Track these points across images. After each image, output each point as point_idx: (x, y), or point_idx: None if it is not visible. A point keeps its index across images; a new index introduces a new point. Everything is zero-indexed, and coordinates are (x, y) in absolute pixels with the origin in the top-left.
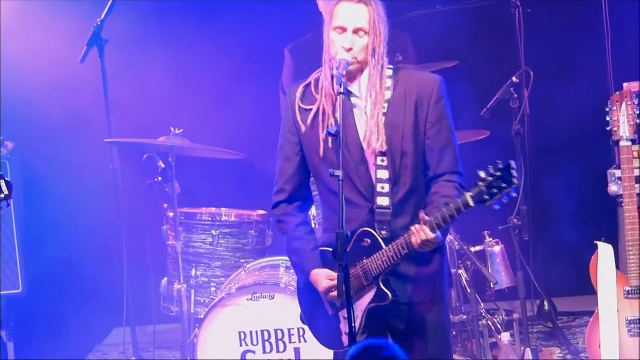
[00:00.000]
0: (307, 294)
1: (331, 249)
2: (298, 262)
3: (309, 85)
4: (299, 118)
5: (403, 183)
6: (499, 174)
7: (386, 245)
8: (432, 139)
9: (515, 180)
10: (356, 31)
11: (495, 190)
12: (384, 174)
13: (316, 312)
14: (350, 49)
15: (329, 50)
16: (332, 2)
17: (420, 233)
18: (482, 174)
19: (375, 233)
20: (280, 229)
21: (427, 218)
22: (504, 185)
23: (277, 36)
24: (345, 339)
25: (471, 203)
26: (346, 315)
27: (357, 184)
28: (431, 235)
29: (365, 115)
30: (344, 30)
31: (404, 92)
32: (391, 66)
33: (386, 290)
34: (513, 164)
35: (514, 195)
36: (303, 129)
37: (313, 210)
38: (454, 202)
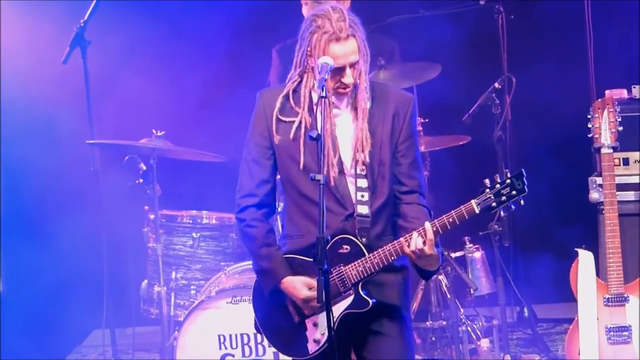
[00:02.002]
0: (269, 300)
1: (300, 256)
2: (268, 268)
3: (286, 96)
4: (274, 128)
5: (380, 193)
6: (508, 181)
7: (368, 253)
8: (403, 152)
9: (526, 188)
10: (352, 65)
11: (503, 198)
12: (364, 183)
13: (277, 319)
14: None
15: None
16: (320, 34)
17: (418, 239)
18: (488, 182)
19: (357, 240)
20: (248, 233)
21: (427, 225)
22: (513, 192)
23: (259, 39)
24: (311, 346)
25: (477, 210)
26: (316, 322)
27: (334, 191)
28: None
29: (348, 125)
30: (342, 70)
31: (382, 103)
32: None
33: (366, 298)
34: (524, 172)
35: (522, 203)
36: (277, 139)
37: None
38: (456, 210)
